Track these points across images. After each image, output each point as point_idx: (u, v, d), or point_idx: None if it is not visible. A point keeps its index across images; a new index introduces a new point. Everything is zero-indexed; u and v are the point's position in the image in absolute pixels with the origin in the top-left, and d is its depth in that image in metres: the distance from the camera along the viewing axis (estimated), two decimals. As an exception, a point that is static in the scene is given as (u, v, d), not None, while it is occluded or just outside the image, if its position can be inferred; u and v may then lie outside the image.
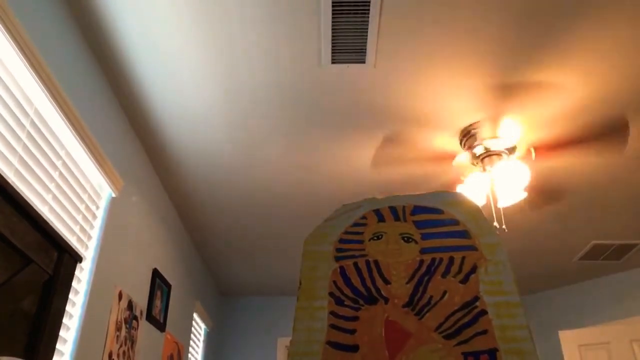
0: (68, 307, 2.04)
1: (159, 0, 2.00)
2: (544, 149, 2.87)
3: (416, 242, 1.05)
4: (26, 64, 1.70)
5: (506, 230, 3.21)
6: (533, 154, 2.86)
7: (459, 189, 2.94)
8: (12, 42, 1.62)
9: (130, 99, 2.55)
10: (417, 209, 1.11)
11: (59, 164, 2.00)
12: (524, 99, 2.55)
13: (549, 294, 5.25)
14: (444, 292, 0.96)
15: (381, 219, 1.11)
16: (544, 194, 3.33)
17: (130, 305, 2.70)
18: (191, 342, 4.20)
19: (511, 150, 2.83)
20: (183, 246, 3.89)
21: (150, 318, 3.02)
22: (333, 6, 2.03)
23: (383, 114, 2.67)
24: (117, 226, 2.56)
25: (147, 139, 2.87)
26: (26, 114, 1.77)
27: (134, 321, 2.74)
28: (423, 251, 1.03)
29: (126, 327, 2.62)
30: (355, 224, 1.11)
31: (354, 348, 0.91)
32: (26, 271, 1.33)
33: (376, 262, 1.02)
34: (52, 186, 1.94)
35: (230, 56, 2.28)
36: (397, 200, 1.14)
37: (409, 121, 2.72)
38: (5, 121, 1.64)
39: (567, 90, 2.49)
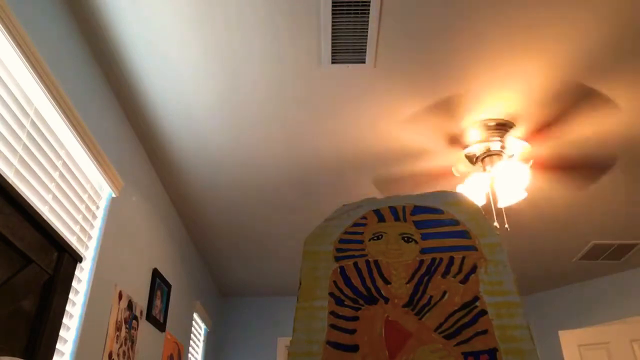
0: (68, 307, 2.04)
1: (159, 1, 2.00)
2: (539, 163, 2.92)
3: (416, 242, 1.05)
4: (26, 64, 1.70)
5: (508, 229, 3.20)
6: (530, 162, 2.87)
7: (459, 189, 2.94)
8: (12, 42, 1.62)
9: (130, 99, 2.55)
10: (417, 209, 1.11)
11: (59, 164, 2.00)
12: (527, 100, 2.55)
13: (549, 294, 5.25)
14: (444, 292, 0.96)
15: (381, 219, 1.11)
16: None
17: (130, 305, 2.70)
18: (191, 342, 4.20)
19: (511, 151, 2.83)
20: (183, 246, 3.89)
21: (150, 318, 3.02)
22: (333, 6, 2.03)
23: (383, 114, 2.67)
24: (117, 226, 2.56)
25: (147, 139, 2.87)
26: (26, 114, 1.77)
27: (134, 321, 2.74)
28: (423, 251, 1.03)
29: (126, 327, 2.62)
30: (355, 224, 1.11)
31: (354, 348, 0.91)
32: (26, 271, 1.33)
33: (376, 262, 1.02)
34: (52, 186, 1.94)
35: (230, 56, 2.28)
36: (397, 200, 1.14)
37: (408, 120, 2.72)
38: (5, 121, 1.64)
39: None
